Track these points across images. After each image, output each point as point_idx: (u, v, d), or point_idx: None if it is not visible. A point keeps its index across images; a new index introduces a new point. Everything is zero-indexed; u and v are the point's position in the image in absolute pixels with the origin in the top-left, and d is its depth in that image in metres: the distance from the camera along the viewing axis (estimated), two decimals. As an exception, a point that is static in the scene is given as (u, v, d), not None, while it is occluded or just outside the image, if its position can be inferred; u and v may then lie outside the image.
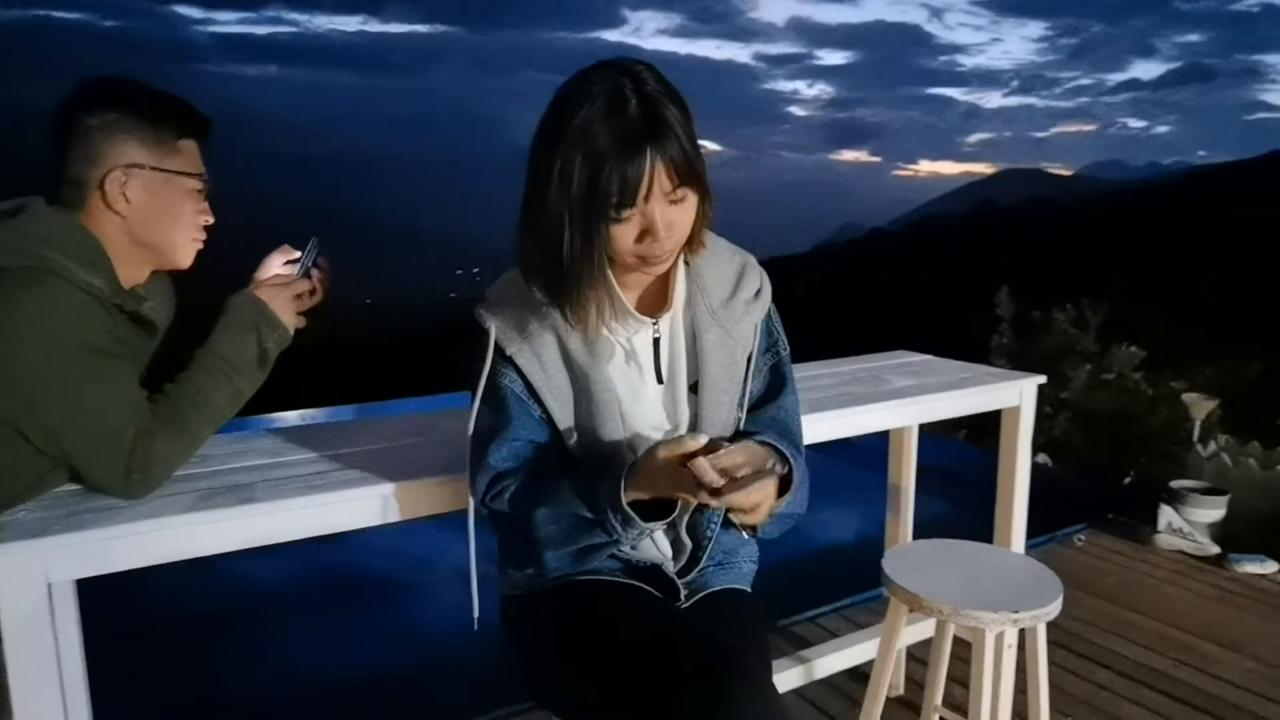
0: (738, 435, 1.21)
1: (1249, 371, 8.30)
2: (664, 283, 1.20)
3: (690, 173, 1.05)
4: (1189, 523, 3.71)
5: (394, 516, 1.30)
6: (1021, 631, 1.57)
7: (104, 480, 1.21)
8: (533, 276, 1.14)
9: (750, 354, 1.23)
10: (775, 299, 1.27)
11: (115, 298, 1.26)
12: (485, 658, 1.33)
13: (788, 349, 1.28)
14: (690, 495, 1.03)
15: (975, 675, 1.54)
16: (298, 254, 1.43)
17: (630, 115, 1.03)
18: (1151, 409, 7.54)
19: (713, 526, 1.24)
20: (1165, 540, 3.69)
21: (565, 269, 1.07)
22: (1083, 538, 3.76)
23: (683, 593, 1.25)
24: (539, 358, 1.15)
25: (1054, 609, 1.53)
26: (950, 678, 1.93)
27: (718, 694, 0.97)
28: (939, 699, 1.83)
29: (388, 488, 1.29)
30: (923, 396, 1.94)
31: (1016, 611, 1.49)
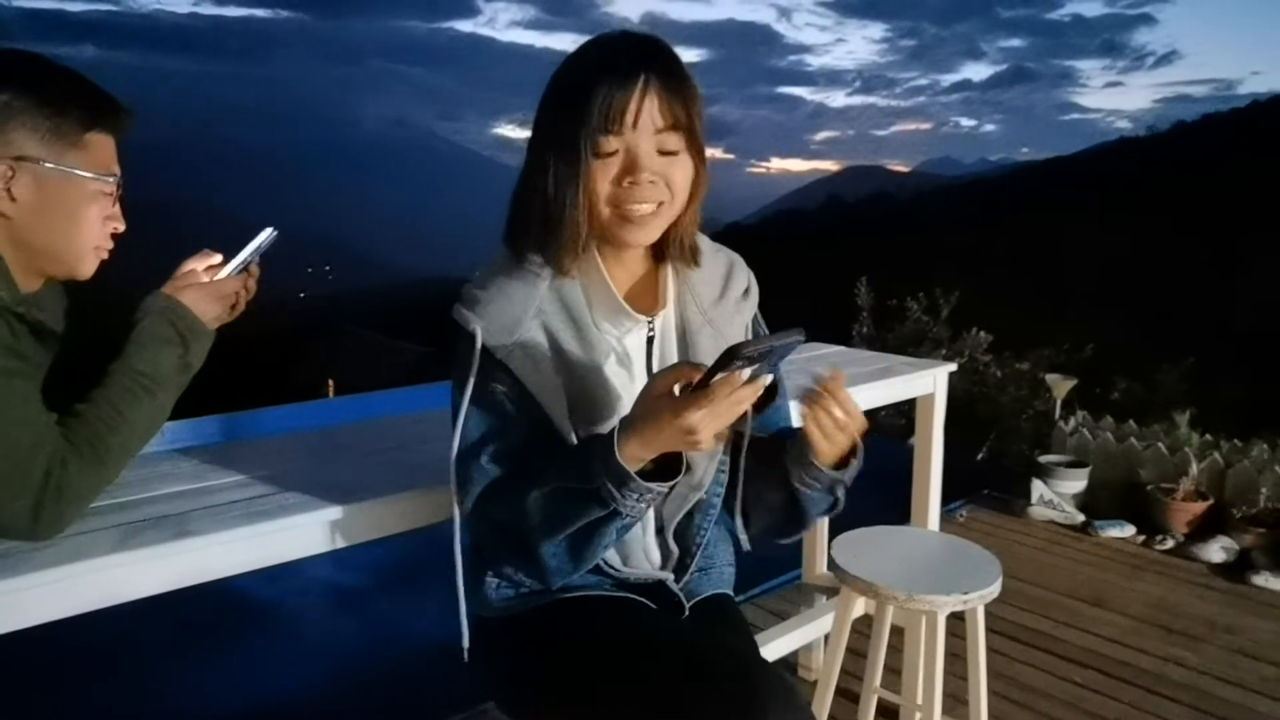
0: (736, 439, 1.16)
1: (1084, 352, 8.93)
2: (653, 281, 1.14)
3: (686, 116, 1.01)
4: (1057, 494, 3.97)
5: (343, 542, 1.19)
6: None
7: (5, 519, 1.04)
8: (523, 236, 1.06)
9: None
10: None
11: (16, 305, 1.09)
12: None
13: None
14: (703, 438, 0.91)
15: (926, 657, 1.58)
16: (217, 259, 1.28)
17: (629, 46, 1.00)
18: (1001, 389, 8.01)
19: (703, 530, 1.19)
20: (1038, 511, 3.94)
21: (552, 206, 1.01)
22: (964, 513, 3.97)
23: (685, 601, 1.19)
24: (531, 359, 1.06)
25: (996, 588, 1.58)
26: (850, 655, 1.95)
27: (755, 706, 0.92)
28: (878, 681, 1.86)
29: (335, 511, 1.17)
30: (853, 388, 1.96)
31: (966, 593, 1.54)
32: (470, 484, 1.07)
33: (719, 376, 0.90)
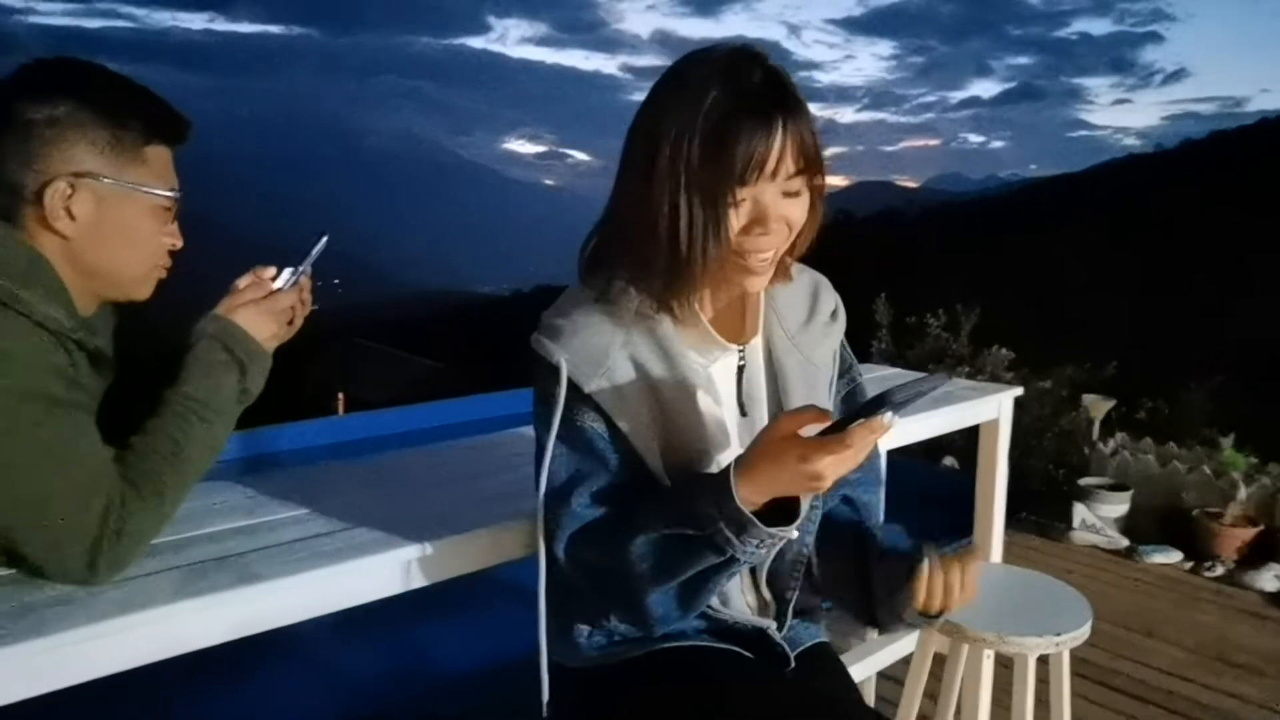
0: None
1: (1106, 371, 8.82)
2: (739, 307, 1.07)
3: (816, 160, 0.95)
4: (1099, 518, 3.87)
5: (420, 582, 1.11)
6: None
7: (61, 563, 0.96)
8: (621, 272, 1.00)
9: (830, 381, 1.12)
10: None
11: (75, 332, 1.02)
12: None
13: (862, 374, 1.18)
14: (827, 485, 0.87)
15: (1016, 703, 1.49)
16: (270, 273, 1.20)
17: (758, 82, 0.93)
18: (1023, 408, 7.92)
19: (796, 574, 1.11)
20: (1080, 536, 3.83)
21: (683, 251, 0.94)
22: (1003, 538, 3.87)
23: (790, 653, 1.11)
24: (620, 393, 0.99)
25: (1086, 630, 1.49)
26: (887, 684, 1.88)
27: None
28: None
29: (410, 550, 1.09)
30: (914, 415, 1.88)
31: (1059, 635, 1.45)
32: (561, 527, 0.99)
33: (860, 422, 0.83)
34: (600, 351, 0.99)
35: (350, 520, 1.17)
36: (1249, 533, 3.51)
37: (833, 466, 0.86)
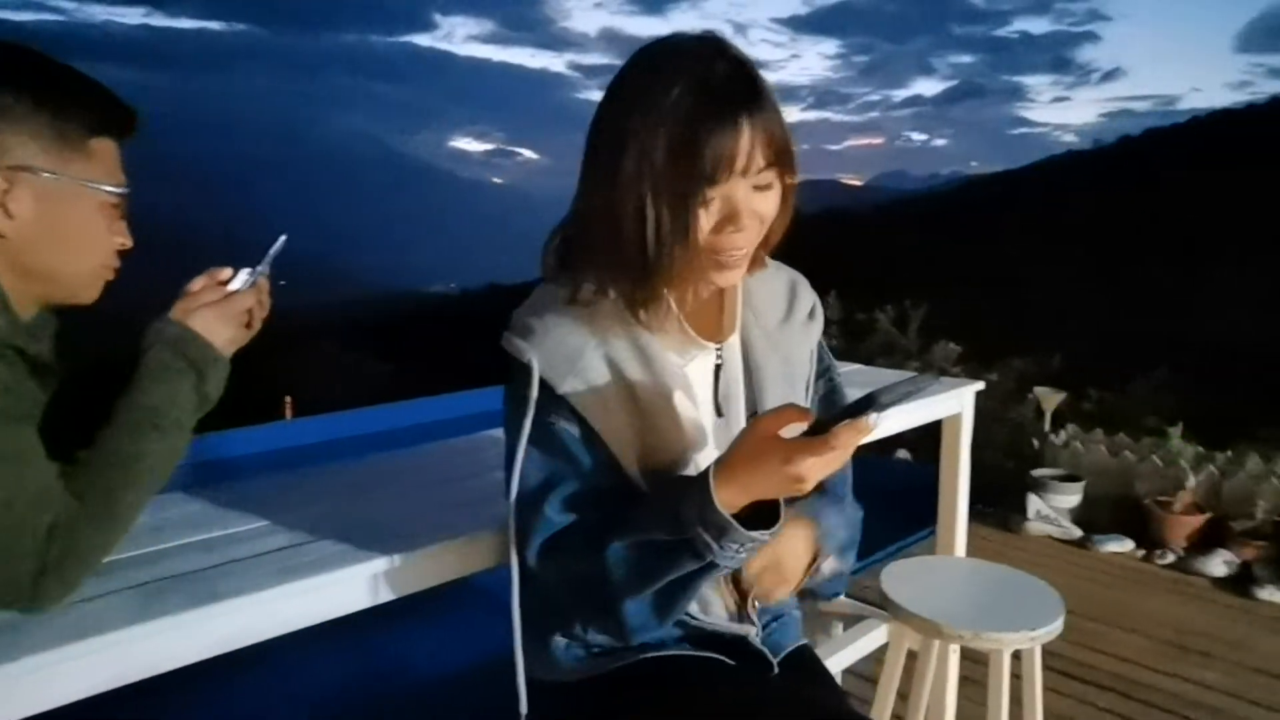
0: None
1: (1052, 364, 8.99)
2: (715, 304, 1.04)
3: (786, 153, 0.92)
4: (1053, 509, 3.94)
5: (391, 595, 1.06)
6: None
7: (5, 588, 0.89)
8: (590, 273, 0.96)
9: (809, 380, 1.10)
10: None
11: (15, 339, 0.95)
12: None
13: (840, 374, 1.16)
14: (809, 486, 0.85)
15: (992, 699, 1.49)
16: (226, 274, 1.14)
17: (722, 77, 0.89)
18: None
19: None
20: (1035, 527, 3.90)
21: (651, 254, 0.90)
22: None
23: (773, 659, 1.08)
24: (596, 393, 0.96)
25: (1059, 624, 1.50)
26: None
27: None
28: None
29: (381, 562, 1.04)
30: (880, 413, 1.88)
31: (1033, 629, 1.45)
32: (533, 533, 0.96)
33: (846, 423, 0.81)
34: (574, 351, 0.96)
35: (314, 532, 1.12)
36: (1198, 520, 3.60)
37: (816, 468, 0.83)
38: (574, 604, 1.00)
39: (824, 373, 1.13)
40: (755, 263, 1.01)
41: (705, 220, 0.91)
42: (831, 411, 1.10)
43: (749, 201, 0.92)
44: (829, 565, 1.03)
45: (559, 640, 1.04)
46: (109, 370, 1.05)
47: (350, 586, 1.03)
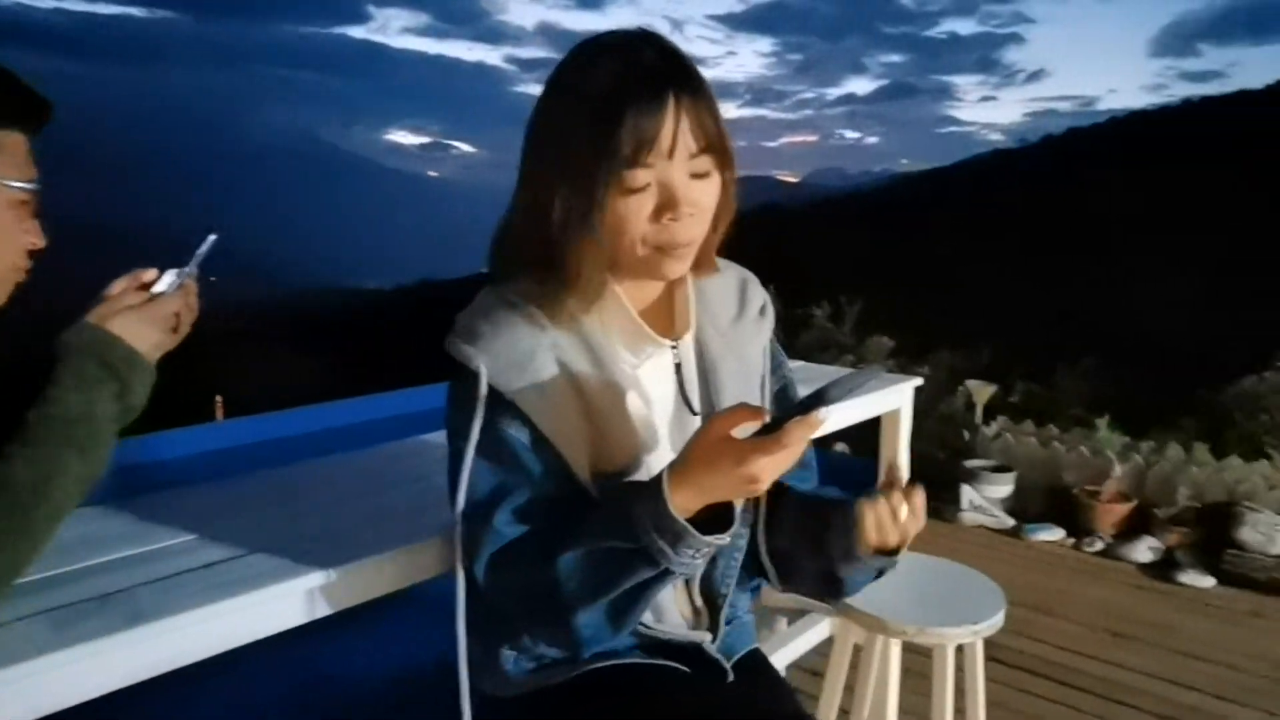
0: None
1: (981, 356, 9.17)
2: (668, 301, 1.02)
3: (718, 137, 0.90)
4: (986, 500, 4.03)
5: (327, 610, 1.02)
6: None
7: None
8: (540, 270, 0.93)
9: (763, 378, 1.09)
10: None
11: None
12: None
13: (792, 371, 1.15)
14: (764, 486, 0.83)
15: (937, 691, 1.51)
16: (150, 275, 1.08)
17: (650, 59, 0.88)
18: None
19: (729, 580, 1.07)
20: (969, 517, 3.98)
21: (564, 245, 0.88)
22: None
23: (728, 666, 1.06)
24: (547, 399, 0.93)
25: (1000, 618, 1.52)
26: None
27: None
28: (866, 713, 1.78)
29: (316, 577, 1.00)
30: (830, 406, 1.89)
31: (976, 623, 1.47)
32: (481, 547, 0.92)
33: (795, 420, 0.80)
34: (524, 354, 0.93)
35: (246, 545, 1.07)
36: (1125, 508, 3.72)
37: (770, 468, 0.82)
38: (524, 617, 0.97)
39: (776, 369, 1.13)
40: (706, 265, 1.00)
41: (640, 207, 0.89)
42: (781, 410, 1.09)
43: (686, 190, 0.89)
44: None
45: (507, 653, 1.01)
46: (20, 380, 0.99)
47: (286, 603, 0.99)
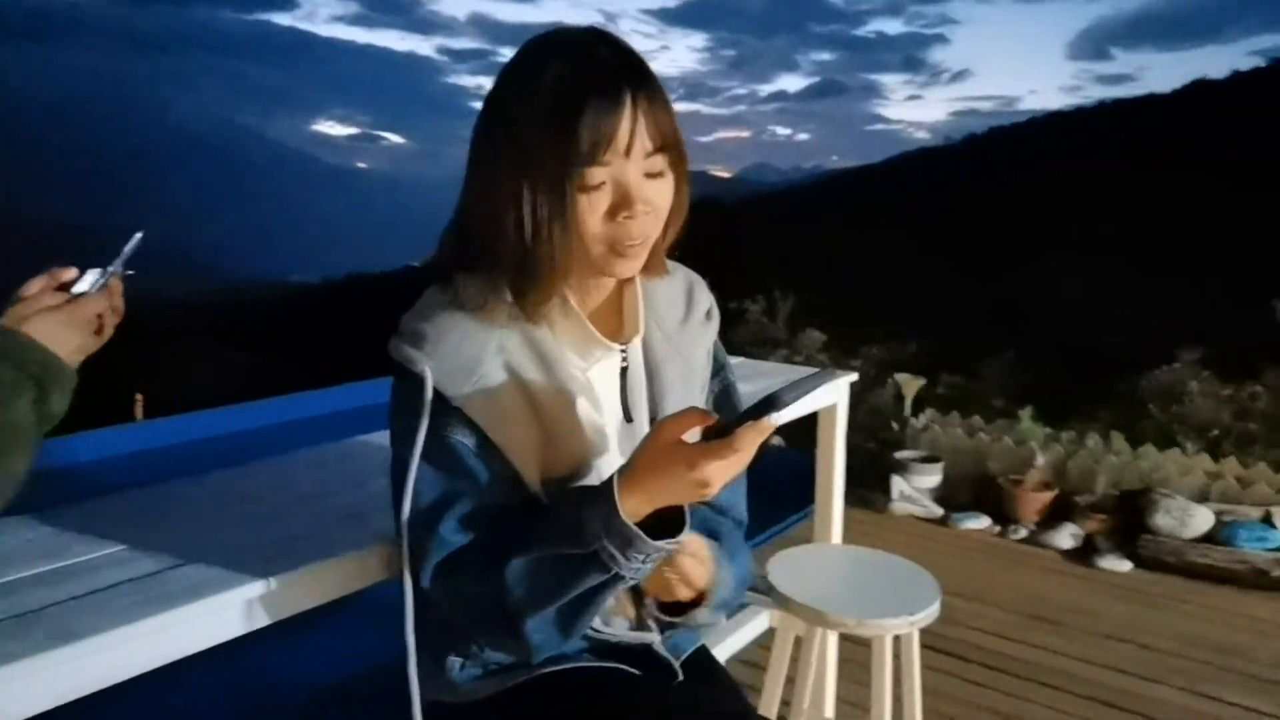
0: None
1: (908, 350, 9.38)
2: (616, 304, 1.02)
3: (674, 137, 0.90)
4: (916, 490, 4.14)
5: (267, 620, 0.99)
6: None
7: None
8: (490, 271, 0.92)
9: (704, 382, 1.09)
10: None
11: None
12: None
13: (734, 373, 1.15)
14: (715, 491, 0.83)
15: (876, 681, 1.54)
16: (70, 274, 1.03)
17: (606, 56, 0.88)
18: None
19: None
20: (899, 507, 4.08)
21: (529, 241, 0.88)
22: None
23: (677, 666, 1.06)
24: (495, 404, 0.91)
25: (937, 608, 1.56)
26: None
27: None
28: (830, 711, 1.82)
29: (256, 586, 0.97)
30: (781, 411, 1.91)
31: (913, 614, 1.51)
32: (428, 556, 0.91)
33: (748, 425, 0.81)
34: (471, 358, 0.91)
35: (180, 555, 1.03)
36: (1047, 496, 3.86)
37: (721, 472, 0.83)
38: (473, 625, 0.96)
39: (718, 372, 1.13)
40: (656, 267, 1.00)
41: (595, 205, 0.89)
42: (728, 413, 1.10)
43: (641, 189, 0.89)
44: (704, 615, 1.02)
45: (454, 660, 1.00)
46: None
47: (225, 615, 0.95)
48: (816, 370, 0.87)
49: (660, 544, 0.84)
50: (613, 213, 0.89)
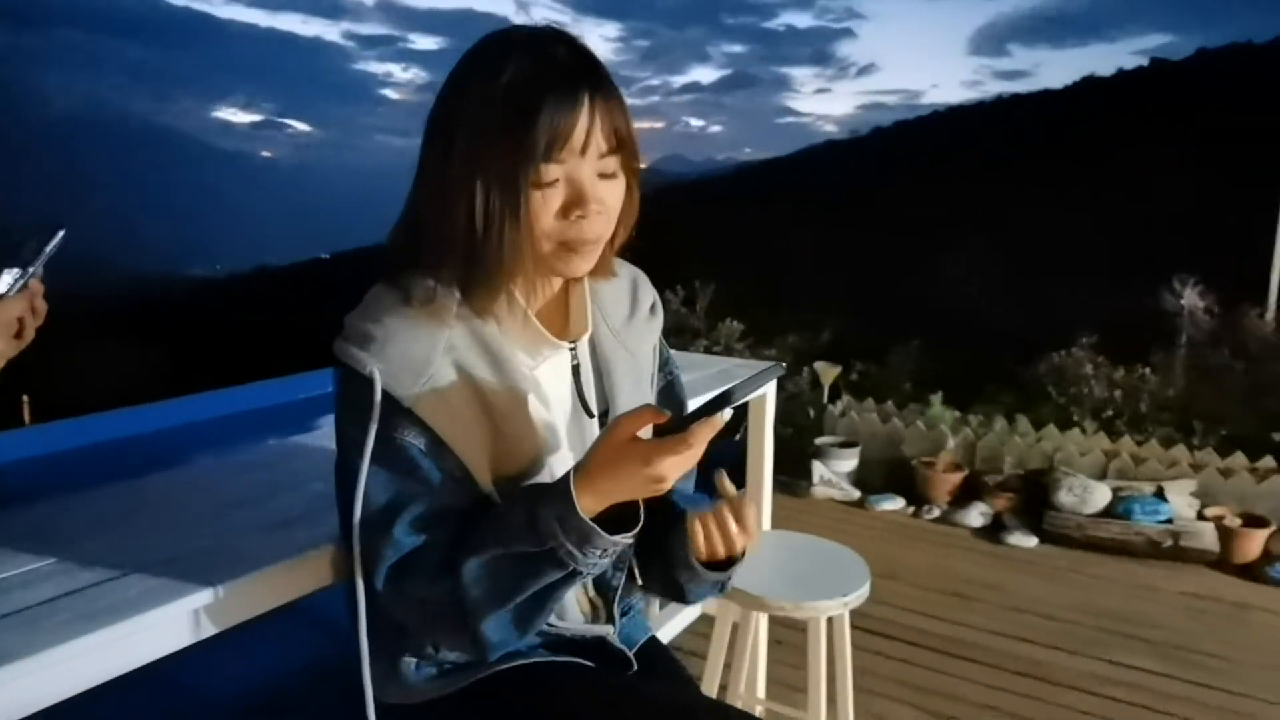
0: None
1: (821, 338, 9.60)
2: (563, 302, 1.03)
3: (629, 139, 0.92)
4: (835, 474, 4.26)
5: (212, 630, 0.97)
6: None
7: None
8: (427, 269, 0.92)
9: (651, 377, 1.12)
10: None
11: None
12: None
13: (679, 367, 1.18)
14: (669, 486, 0.85)
15: (812, 661, 1.60)
16: None
17: (563, 55, 0.89)
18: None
19: (619, 573, 1.09)
20: (820, 491, 4.21)
21: (480, 237, 0.88)
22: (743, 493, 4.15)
23: (631, 656, 1.08)
24: (446, 403, 0.91)
25: (867, 589, 1.63)
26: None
27: None
28: (761, 692, 1.87)
29: (202, 595, 0.95)
30: (695, 396, 1.95)
31: (846, 596, 1.57)
32: (381, 559, 0.91)
33: (701, 421, 0.83)
34: (421, 358, 0.91)
35: (116, 567, 1.00)
36: (957, 477, 4.03)
37: (675, 467, 0.85)
38: (428, 626, 0.96)
39: (663, 366, 1.15)
40: (605, 269, 1.01)
41: (548, 202, 0.90)
42: (675, 406, 1.13)
43: (594, 188, 0.91)
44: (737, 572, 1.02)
45: (408, 660, 1.00)
46: None
47: (169, 628, 0.93)
48: (770, 364, 0.90)
49: (616, 538, 0.86)
50: (565, 211, 0.90)
